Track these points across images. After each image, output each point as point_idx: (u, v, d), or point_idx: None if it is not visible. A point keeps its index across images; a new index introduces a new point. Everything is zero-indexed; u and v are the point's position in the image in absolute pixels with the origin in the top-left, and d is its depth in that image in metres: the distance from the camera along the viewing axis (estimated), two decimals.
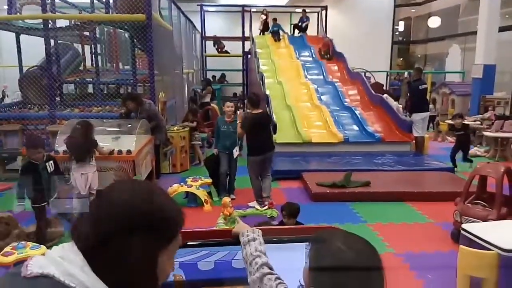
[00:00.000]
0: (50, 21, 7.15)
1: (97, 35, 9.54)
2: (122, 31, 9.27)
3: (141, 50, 8.14)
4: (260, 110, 5.65)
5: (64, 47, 8.63)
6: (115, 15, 7.03)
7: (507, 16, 13.14)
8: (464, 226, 3.83)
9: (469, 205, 4.49)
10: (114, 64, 10.53)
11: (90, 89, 9.96)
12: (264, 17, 14.59)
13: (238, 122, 5.61)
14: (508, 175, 4.45)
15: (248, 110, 5.91)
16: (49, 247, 3.86)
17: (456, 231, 4.41)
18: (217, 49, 15.84)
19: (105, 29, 9.43)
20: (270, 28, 14.21)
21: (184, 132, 7.64)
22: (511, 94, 11.36)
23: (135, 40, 7.60)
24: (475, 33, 11.60)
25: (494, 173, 4.42)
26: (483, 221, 4.12)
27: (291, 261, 1.74)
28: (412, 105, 8.90)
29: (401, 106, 10.30)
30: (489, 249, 3.44)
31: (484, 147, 9.24)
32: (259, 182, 5.67)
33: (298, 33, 14.54)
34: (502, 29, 11.30)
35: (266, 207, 4.37)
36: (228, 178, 6.08)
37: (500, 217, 4.11)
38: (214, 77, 17.00)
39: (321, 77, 11.40)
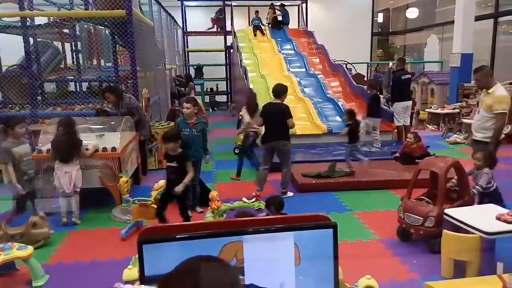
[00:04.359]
0: (28, 19, 7.02)
1: (77, 32, 9.40)
2: (103, 27, 9.16)
3: (123, 46, 8.06)
4: (278, 101, 5.65)
5: (44, 45, 8.48)
6: (95, 12, 6.95)
7: (482, 5, 13.41)
8: (446, 211, 3.96)
9: (413, 201, 4.32)
10: (95, 61, 10.40)
11: (72, 87, 9.84)
12: (271, 11, 14.30)
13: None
14: (456, 169, 4.34)
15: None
16: (36, 248, 3.86)
17: (401, 227, 4.33)
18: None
19: (85, 26, 9.29)
20: (251, 22, 14.20)
21: (169, 128, 7.62)
22: None
23: (116, 36, 7.53)
24: (452, 22, 11.82)
25: (438, 168, 4.25)
26: (424, 218, 4.04)
27: (279, 250, 1.80)
28: (394, 94, 9.06)
29: (382, 96, 10.45)
30: (472, 233, 3.57)
31: (463, 134, 9.46)
32: (263, 171, 5.74)
33: (281, 27, 14.50)
34: (478, 18, 11.54)
35: (254, 199, 4.43)
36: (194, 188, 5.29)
37: (442, 213, 3.96)
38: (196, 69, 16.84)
39: (304, 69, 11.49)
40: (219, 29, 15.62)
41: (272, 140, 5.57)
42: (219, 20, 15.59)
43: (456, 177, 4.45)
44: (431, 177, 4.46)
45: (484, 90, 5.03)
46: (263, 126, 5.81)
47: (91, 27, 9.55)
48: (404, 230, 4.30)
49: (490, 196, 4.39)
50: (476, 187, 4.38)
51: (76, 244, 4.44)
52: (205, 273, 1.10)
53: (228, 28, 14.89)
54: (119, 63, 8.40)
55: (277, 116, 5.52)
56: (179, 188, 4.41)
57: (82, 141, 5.08)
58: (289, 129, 5.63)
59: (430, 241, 4.07)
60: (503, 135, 5.19)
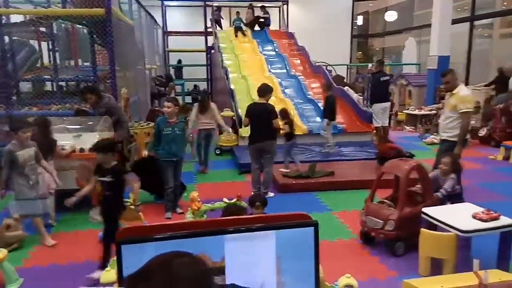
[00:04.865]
0: (3, 17, 6.84)
1: (55, 31, 9.21)
2: (81, 26, 8.99)
3: (101, 45, 7.93)
4: (262, 100, 5.63)
5: (20, 44, 8.27)
6: (73, 10, 6.81)
7: (459, 9, 13.72)
8: (424, 210, 4.02)
9: (375, 204, 4.32)
10: (73, 61, 10.21)
11: (49, 87, 9.63)
12: (250, 11, 14.28)
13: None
14: (419, 172, 4.32)
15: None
16: (10, 251, 3.76)
17: (363, 230, 4.32)
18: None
19: (63, 24, 9.11)
20: (232, 22, 14.19)
21: (148, 128, 7.53)
22: (464, 85, 11.90)
23: (94, 35, 7.40)
24: (429, 26, 12.06)
25: (399, 171, 4.23)
26: (384, 221, 4.04)
27: (260, 250, 1.79)
28: (373, 96, 9.18)
29: (361, 98, 10.60)
30: (449, 231, 3.64)
31: (440, 135, 9.64)
32: (256, 172, 5.73)
33: (262, 28, 14.52)
34: (454, 22, 11.80)
35: (235, 199, 4.41)
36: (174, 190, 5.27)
37: (402, 217, 4.00)
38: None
39: (284, 70, 11.52)
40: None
41: (259, 140, 5.56)
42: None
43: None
44: (395, 180, 4.45)
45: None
46: (248, 127, 5.78)
47: (69, 26, 9.38)
48: (366, 233, 4.29)
49: (452, 199, 4.42)
50: (441, 190, 4.41)
51: (52, 246, 4.34)
52: (177, 268, 1.08)
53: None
54: (98, 62, 8.26)
55: (263, 116, 5.51)
56: (70, 201, 3.78)
57: (56, 141, 4.97)
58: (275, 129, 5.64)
59: (390, 244, 4.06)
60: (468, 135, 5.40)
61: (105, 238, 3.70)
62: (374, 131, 8.96)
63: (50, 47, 9.32)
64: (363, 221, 4.29)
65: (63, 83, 9.46)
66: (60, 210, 5.02)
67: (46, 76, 8.98)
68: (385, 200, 4.33)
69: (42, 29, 8.67)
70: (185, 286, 1.06)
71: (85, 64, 10.11)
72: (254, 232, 1.81)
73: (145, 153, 5.50)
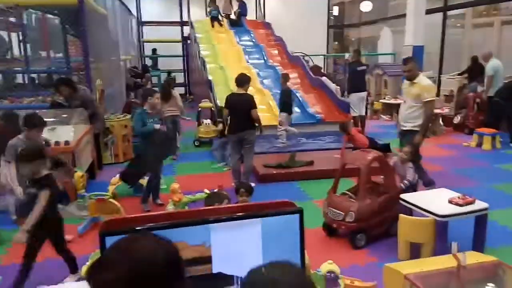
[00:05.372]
0: None
1: (25, 21, 8.89)
2: (53, 16, 8.72)
3: (74, 36, 7.73)
4: (241, 90, 5.59)
5: None
6: None
7: None
8: (402, 196, 4.11)
9: (337, 195, 4.31)
10: (45, 52, 9.89)
11: (20, 79, 9.32)
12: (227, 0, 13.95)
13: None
14: (381, 164, 4.35)
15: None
16: None
17: (326, 222, 4.31)
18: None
19: (33, 14, 8.81)
20: (209, 12, 14.00)
21: (125, 120, 7.41)
22: (438, 73, 12.17)
23: (67, 25, 7.20)
24: (404, 16, 12.20)
25: (360, 163, 4.22)
26: (345, 213, 4.03)
27: (246, 238, 1.79)
28: (350, 86, 9.26)
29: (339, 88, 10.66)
30: (426, 216, 3.73)
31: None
32: (236, 163, 5.70)
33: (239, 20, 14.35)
34: (428, 12, 11.98)
35: (216, 190, 4.39)
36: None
37: (362, 208, 4.00)
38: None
39: (262, 61, 11.49)
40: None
41: (239, 130, 5.53)
42: None
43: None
44: (359, 171, 4.36)
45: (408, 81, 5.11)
46: (228, 117, 5.74)
47: (41, 16, 9.07)
48: (328, 225, 4.28)
49: (409, 189, 4.43)
50: (404, 181, 4.45)
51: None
52: (137, 250, 1.07)
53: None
54: (71, 53, 8.04)
55: (242, 107, 5.48)
56: (20, 239, 3.18)
57: None
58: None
59: (351, 236, 4.06)
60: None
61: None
62: (352, 121, 9.03)
63: (21, 38, 9.01)
64: (325, 213, 4.28)
65: (35, 75, 9.17)
66: None
67: (17, 68, 8.70)
68: (347, 192, 4.31)
69: (12, 19, 8.37)
70: (150, 269, 1.04)
71: (58, 55, 9.82)
72: (240, 221, 1.81)
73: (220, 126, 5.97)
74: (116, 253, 1.09)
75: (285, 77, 8.09)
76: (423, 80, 5.05)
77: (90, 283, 1.06)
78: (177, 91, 8.07)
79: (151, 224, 1.71)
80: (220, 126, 6.80)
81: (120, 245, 1.10)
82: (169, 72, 16.09)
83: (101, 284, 1.04)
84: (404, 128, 5.12)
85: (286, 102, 7.70)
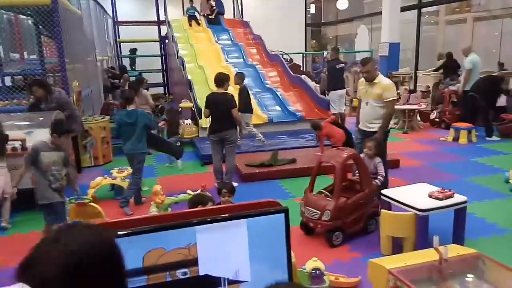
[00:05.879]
0: None
1: None
2: (25, 17, 8.49)
3: (48, 37, 7.54)
4: (221, 90, 5.53)
5: None
6: None
7: None
8: (383, 191, 4.16)
9: (314, 194, 4.29)
10: (18, 54, 9.64)
11: None
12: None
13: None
14: (356, 161, 4.35)
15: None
16: None
17: (302, 221, 4.29)
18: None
19: (5, 15, 8.56)
20: (186, 11, 13.88)
21: (103, 122, 7.29)
22: (414, 70, 12.39)
23: (40, 26, 7.01)
24: (380, 13, 12.39)
25: (335, 161, 4.20)
26: (321, 212, 4.03)
27: (232, 239, 1.78)
28: (330, 83, 9.33)
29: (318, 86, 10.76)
30: (407, 211, 3.79)
31: (393, 119, 9.99)
32: (218, 163, 5.65)
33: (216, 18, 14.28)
34: (403, 9, 12.19)
35: (199, 190, 4.36)
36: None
37: (338, 207, 4.00)
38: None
39: (241, 60, 11.47)
40: None
41: (220, 130, 5.49)
42: None
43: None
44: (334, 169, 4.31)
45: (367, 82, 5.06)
46: (209, 118, 5.70)
47: (12, 16, 8.82)
48: (305, 224, 4.27)
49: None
50: (379, 177, 4.48)
51: (6, 249, 4.12)
52: (68, 239, 1.03)
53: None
54: (45, 55, 7.85)
55: (224, 106, 5.43)
56: None
57: (8, 136, 4.71)
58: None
59: (328, 235, 4.06)
60: (392, 124, 5.39)
61: None
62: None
63: None
64: (302, 212, 4.27)
65: (8, 78, 8.91)
66: (15, 211, 4.78)
67: None
68: (323, 191, 4.31)
69: None
70: (87, 260, 1.00)
71: (32, 57, 9.58)
72: (226, 222, 1.80)
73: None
74: (38, 251, 1.05)
75: (241, 76, 7.78)
76: (384, 79, 5.02)
77: (28, 281, 1.01)
78: (157, 91, 8.07)
79: (135, 228, 1.68)
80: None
81: (52, 238, 1.06)
82: (140, 73, 15.94)
83: (39, 280, 0.99)
84: (370, 130, 5.03)
85: (246, 102, 7.41)
